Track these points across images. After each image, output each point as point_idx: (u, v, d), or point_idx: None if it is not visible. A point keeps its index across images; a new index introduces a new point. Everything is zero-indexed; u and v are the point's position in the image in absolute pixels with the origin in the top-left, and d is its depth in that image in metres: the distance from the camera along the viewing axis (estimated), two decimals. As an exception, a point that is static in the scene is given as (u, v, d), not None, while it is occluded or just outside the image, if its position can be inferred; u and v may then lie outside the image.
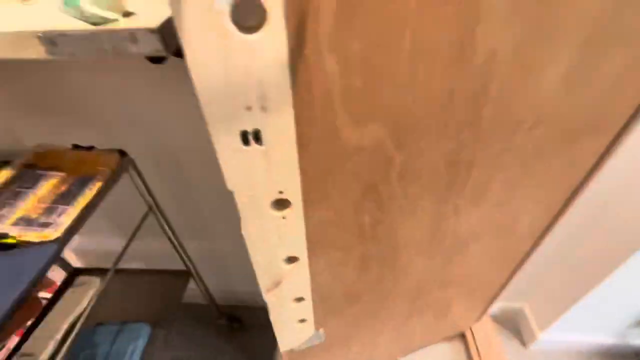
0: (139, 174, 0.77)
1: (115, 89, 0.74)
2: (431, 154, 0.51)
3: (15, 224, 0.54)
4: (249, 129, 0.38)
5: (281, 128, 0.39)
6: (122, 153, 0.72)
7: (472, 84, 0.43)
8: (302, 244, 0.56)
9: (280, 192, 0.46)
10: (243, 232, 0.51)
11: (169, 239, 0.96)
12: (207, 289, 1.21)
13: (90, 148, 0.72)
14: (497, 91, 0.45)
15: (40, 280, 0.47)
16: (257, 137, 0.40)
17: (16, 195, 0.59)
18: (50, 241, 0.53)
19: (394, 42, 0.36)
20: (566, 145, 0.58)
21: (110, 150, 0.71)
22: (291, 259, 0.59)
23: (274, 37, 0.31)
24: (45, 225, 0.55)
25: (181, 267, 1.11)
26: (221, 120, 0.36)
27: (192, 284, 1.15)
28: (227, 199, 1.01)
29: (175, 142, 0.85)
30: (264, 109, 0.36)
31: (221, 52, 0.31)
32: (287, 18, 0.31)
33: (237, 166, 0.41)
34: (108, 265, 1.24)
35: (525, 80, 0.45)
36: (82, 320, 0.82)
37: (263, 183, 0.44)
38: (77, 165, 0.68)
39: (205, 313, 1.34)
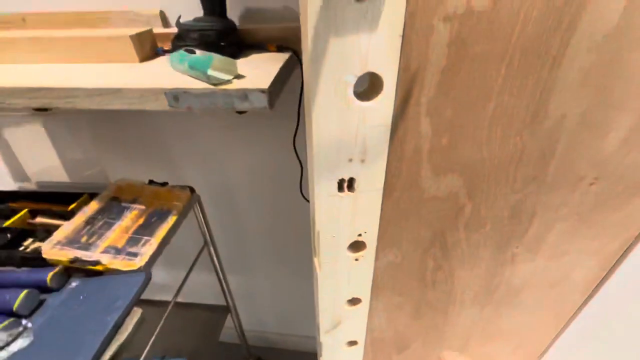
0: (202, 210, 0.82)
1: (188, 131, 0.83)
2: (498, 205, 0.54)
3: (105, 252, 0.59)
4: (346, 177, 0.43)
5: (373, 178, 0.43)
6: (192, 190, 0.78)
7: (541, 144, 0.47)
8: (368, 285, 0.58)
9: (359, 235, 0.50)
10: (317, 271, 0.54)
11: (217, 273, 0.99)
12: (241, 327, 1.20)
13: (164, 184, 0.78)
14: (562, 150, 0.49)
15: (132, 307, 0.50)
16: (351, 184, 0.44)
17: (105, 226, 0.64)
18: (135, 270, 0.57)
19: (480, 108, 0.41)
20: (624, 200, 0.60)
21: (182, 187, 0.77)
22: (354, 301, 0.60)
23: (384, 105, 0.37)
24: (131, 254, 0.59)
25: (220, 301, 1.12)
26: (325, 169, 0.41)
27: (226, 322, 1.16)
28: (272, 240, 1.05)
29: (233, 183, 0.91)
30: (362, 161, 0.41)
31: (340, 115, 0.37)
32: (397, 88, 0.36)
33: (328, 209, 0.45)
34: (146, 294, 1.26)
35: (589, 141, 0.49)
36: (124, 350, 0.84)
37: (346, 226, 0.48)
38: (153, 199, 0.74)
39: (235, 352, 1.32)
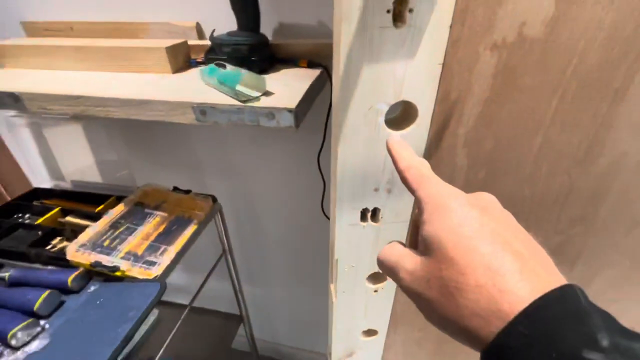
0: (223, 219, 0.82)
1: (215, 141, 0.83)
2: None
3: (124, 257, 0.60)
4: (370, 207, 0.40)
5: (399, 209, 0.40)
6: (214, 199, 0.78)
7: (593, 183, 0.42)
8: (386, 319, 0.54)
9: (380, 266, 0.47)
10: (333, 299, 0.51)
11: (232, 282, 0.98)
12: (252, 337, 1.19)
13: (188, 192, 0.79)
14: (618, 191, 0.44)
15: (145, 318, 0.49)
16: (375, 214, 0.42)
17: (127, 231, 0.65)
18: (152, 279, 0.57)
19: (525, 142, 0.37)
20: (687, 250, 0.53)
21: (205, 196, 0.78)
22: (370, 332, 0.57)
23: (417, 134, 0.34)
24: (149, 263, 0.59)
25: (235, 310, 1.11)
26: (347, 197, 0.39)
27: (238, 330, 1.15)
28: (291, 254, 1.03)
29: (256, 194, 0.90)
30: (389, 191, 0.39)
31: (368, 143, 0.34)
32: (433, 118, 0.34)
33: (349, 238, 0.43)
34: (166, 296, 1.28)
35: (650, 183, 0.44)
36: (139, 350, 0.84)
37: (367, 256, 0.45)
38: (176, 206, 0.74)
39: (245, 361, 1.30)
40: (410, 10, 0.27)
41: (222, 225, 0.82)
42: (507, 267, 0.18)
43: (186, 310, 0.85)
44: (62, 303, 0.55)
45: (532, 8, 0.28)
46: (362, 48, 0.28)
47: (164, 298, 1.32)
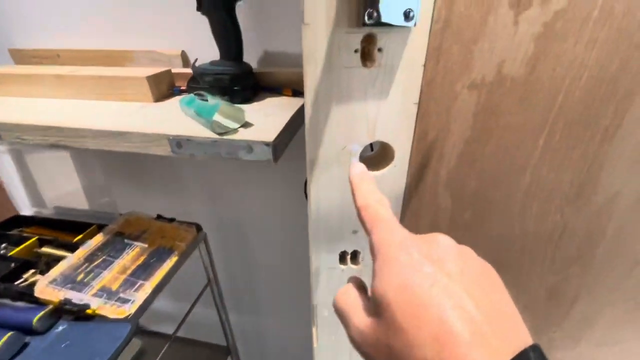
0: (208, 249, 0.79)
1: (201, 167, 0.81)
2: (531, 286, 0.46)
3: (96, 295, 0.56)
4: (349, 249, 0.38)
5: (381, 251, 0.38)
6: (199, 228, 0.76)
7: (587, 222, 0.40)
8: (373, 363, 0.51)
9: (364, 310, 0.43)
10: (315, 344, 0.47)
11: (218, 312, 0.94)
12: (241, 370, 1.13)
13: (172, 220, 0.76)
14: (615, 230, 0.41)
15: (110, 366, 0.46)
16: (355, 256, 0.39)
17: (103, 264, 0.62)
18: (124, 319, 0.53)
19: (513, 181, 0.35)
20: (693, 289, 0.50)
21: (189, 224, 0.75)
22: (357, 377, 0.53)
23: (396, 174, 0.32)
24: (122, 300, 0.56)
25: (222, 341, 1.06)
26: (325, 241, 0.36)
27: (227, 362, 1.09)
28: (280, 282, 0.99)
29: (243, 221, 0.88)
30: (368, 233, 0.36)
31: (344, 184, 0.32)
32: (411, 159, 0.31)
33: (327, 282, 0.40)
34: (148, 323, 1.23)
35: (648, 221, 0.41)
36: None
37: (349, 299, 0.42)
38: (158, 236, 0.71)
39: (233, 396, 1.23)
40: (380, 50, 0.25)
41: (207, 255, 0.79)
42: (456, 338, 0.16)
43: (169, 341, 0.80)
44: (25, 345, 0.51)
45: (510, 46, 0.26)
46: (330, 88, 0.27)
47: (149, 327, 1.27)
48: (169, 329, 0.98)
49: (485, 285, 0.19)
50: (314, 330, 0.49)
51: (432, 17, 0.25)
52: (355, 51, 0.25)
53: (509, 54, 0.27)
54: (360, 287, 0.24)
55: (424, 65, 0.27)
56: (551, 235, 0.40)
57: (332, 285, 0.40)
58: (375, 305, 0.19)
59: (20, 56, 0.74)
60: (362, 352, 0.20)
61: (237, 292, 1.07)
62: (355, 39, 0.25)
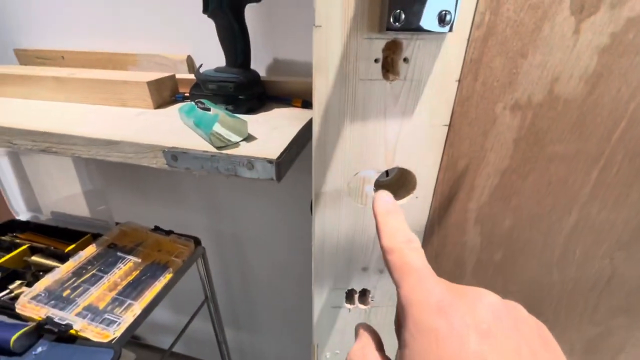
0: (206, 264, 0.75)
1: (203, 179, 0.77)
2: (569, 336, 0.40)
3: (81, 314, 0.52)
4: (358, 288, 0.32)
5: (394, 292, 0.32)
6: (197, 242, 0.71)
7: (640, 269, 0.34)
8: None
9: (371, 355, 0.38)
10: (314, 387, 0.42)
11: (215, 330, 0.89)
12: (237, 391, 1.07)
13: (169, 232, 0.72)
14: (672, 278, 0.35)
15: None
16: (363, 295, 0.34)
17: (92, 279, 0.58)
18: (107, 343, 0.49)
19: (555, 220, 0.29)
20: None
21: (187, 238, 0.71)
22: None
23: (417, 207, 0.27)
24: (108, 321, 0.52)
25: (216, 357, 1.01)
26: (330, 277, 0.31)
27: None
28: (279, 301, 0.93)
29: (244, 236, 0.83)
30: (381, 271, 0.31)
31: (353, 214, 0.27)
32: (436, 190, 0.26)
33: (331, 322, 0.35)
34: (142, 333, 1.18)
35: None
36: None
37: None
38: (153, 249, 0.67)
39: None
40: (406, 60, 0.21)
41: (204, 271, 0.75)
42: None
43: (165, 356, 0.76)
44: (0, 367, 0.47)
45: (567, 61, 0.21)
46: (343, 104, 0.22)
47: (146, 337, 1.22)
48: (165, 341, 0.93)
49: (544, 358, 0.15)
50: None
51: (473, 22, 0.20)
52: (376, 61, 0.21)
53: (564, 69, 0.22)
54: (378, 343, 0.20)
55: (459, 81, 0.22)
56: (596, 283, 0.34)
57: (336, 326, 0.35)
58: None
59: (25, 56, 0.72)
60: None
61: (235, 310, 1.02)
62: (377, 46, 0.20)
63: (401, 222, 0.21)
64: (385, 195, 0.22)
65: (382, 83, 0.21)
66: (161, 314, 1.13)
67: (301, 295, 0.88)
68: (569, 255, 0.32)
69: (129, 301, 0.55)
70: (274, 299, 0.93)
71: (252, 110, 0.53)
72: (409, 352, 0.16)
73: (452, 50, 0.21)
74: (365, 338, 0.20)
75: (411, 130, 0.23)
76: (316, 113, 0.23)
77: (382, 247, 0.20)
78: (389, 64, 0.21)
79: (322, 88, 0.22)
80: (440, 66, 0.21)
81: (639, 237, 0.31)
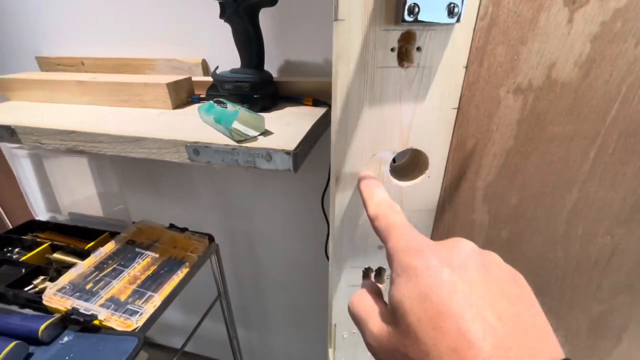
0: (219, 261, 0.77)
1: (217, 177, 0.80)
2: (574, 315, 0.41)
3: (104, 305, 0.54)
4: (374, 266, 0.35)
5: (408, 270, 0.35)
6: (211, 239, 0.74)
7: (640, 246, 0.36)
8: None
9: (386, 334, 0.40)
10: (331, 368, 0.44)
11: (227, 328, 0.90)
12: (248, 391, 1.08)
13: (184, 230, 0.74)
14: (671, 255, 0.37)
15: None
16: (379, 274, 0.36)
17: (113, 273, 0.61)
18: (131, 332, 0.51)
19: (557, 198, 0.31)
20: None
21: (202, 235, 0.73)
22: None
23: (429, 186, 0.29)
24: (130, 312, 0.54)
25: (229, 358, 1.02)
26: (347, 256, 0.33)
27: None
28: (291, 299, 0.95)
29: (257, 233, 0.85)
30: (396, 250, 0.33)
31: (371, 195, 0.29)
32: (447, 169, 0.29)
33: (348, 301, 0.37)
34: (153, 334, 1.20)
35: None
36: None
37: (370, 322, 0.39)
38: (169, 246, 0.70)
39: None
40: (418, 49, 0.23)
41: (218, 268, 0.77)
42: (476, 351, 0.15)
43: (177, 356, 0.77)
44: (29, 356, 0.49)
45: (563, 47, 0.24)
46: (362, 89, 0.25)
47: (156, 338, 1.24)
48: (176, 342, 0.95)
49: (512, 295, 0.18)
50: (330, 352, 0.45)
51: (478, 13, 0.23)
52: (392, 50, 0.23)
53: (560, 56, 0.24)
54: (376, 292, 0.23)
55: (466, 67, 0.24)
56: (598, 260, 0.36)
57: (353, 306, 0.37)
58: (392, 313, 0.19)
59: (46, 63, 0.75)
60: (378, 359, 0.20)
61: (247, 308, 1.04)
62: (393, 36, 0.23)
63: (383, 193, 0.25)
64: (368, 174, 0.27)
65: (398, 70, 0.24)
66: (173, 314, 1.15)
67: (312, 293, 0.90)
68: (572, 232, 0.34)
69: (149, 293, 0.57)
70: (286, 297, 0.95)
71: (265, 108, 0.56)
72: (394, 287, 0.19)
73: (460, 39, 0.23)
74: (364, 288, 0.23)
75: (424, 113, 0.26)
76: (337, 98, 0.25)
77: (369, 217, 0.24)
78: (404, 53, 0.24)
79: (343, 75, 0.24)
80: (449, 54, 0.24)
81: (636, 215, 0.33)
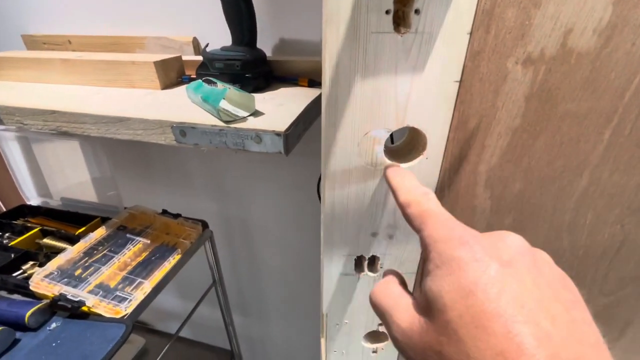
0: (213, 247, 0.75)
1: (210, 161, 0.78)
2: (577, 307, 0.40)
3: (93, 291, 0.53)
4: (367, 254, 0.33)
5: (404, 258, 0.32)
6: (205, 225, 0.72)
7: (652, 236, 0.33)
8: (387, 384, 0.45)
9: (380, 324, 0.38)
10: (323, 357, 0.42)
11: (223, 315, 0.90)
12: (245, 376, 1.09)
13: (177, 216, 0.73)
14: (684, 246, 0.35)
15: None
16: (372, 263, 0.34)
17: (103, 259, 0.59)
18: (119, 319, 0.50)
19: (566, 183, 0.29)
20: None
21: (195, 221, 0.72)
22: (368, 398, 0.48)
23: (427, 168, 0.27)
24: (119, 298, 0.52)
25: (225, 344, 1.02)
26: (338, 244, 0.31)
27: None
28: (287, 285, 0.94)
29: (252, 219, 0.84)
30: (390, 237, 0.31)
31: (364, 177, 0.27)
32: (446, 150, 0.26)
33: (341, 291, 0.35)
34: (151, 319, 1.20)
35: None
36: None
37: (364, 312, 0.37)
38: (161, 232, 0.68)
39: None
40: (417, 11, 0.21)
41: (212, 254, 0.75)
42: (527, 356, 0.13)
43: (171, 341, 0.77)
44: (16, 342, 0.48)
45: (582, 11, 0.21)
46: (353, 59, 0.22)
47: (153, 325, 1.24)
48: (174, 327, 0.94)
49: (566, 299, 0.16)
50: (322, 342, 0.44)
51: (485, -30, 0.20)
52: (387, 12, 0.21)
53: (578, 21, 0.22)
54: (402, 281, 0.21)
55: (470, 34, 0.22)
56: (606, 250, 0.34)
57: (345, 294, 0.35)
58: (427, 305, 0.17)
59: (32, 42, 0.72)
60: (406, 356, 0.18)
61: (243, 295, 1.03)
62: (388, -4, 0.20)
63: (414, 180, 0.23)
64: (396, 166, 0.26)
65: (394, 36, 0.21)
66: (169, 300, 1.15)
67: (309, 280, 0.89)
68: (580, 221, 0.32)
69: (139, 280, 0.56)
70: (282, 284, 0.94)
71: (258, 89, 0.53)
72: (432, 278, 0.17)
73: (464, 1, 0.21)
74: (389, 276, 0.21)
75: (422, 87, 0.23)
76: (326, 69, 0.23)
77: (399, 204, 0.21)
78: (400, 17, 0.21)
79: (332, 42, 0.21)
80: (452, 18, 0.21)
81: (650, 202, 0.31)
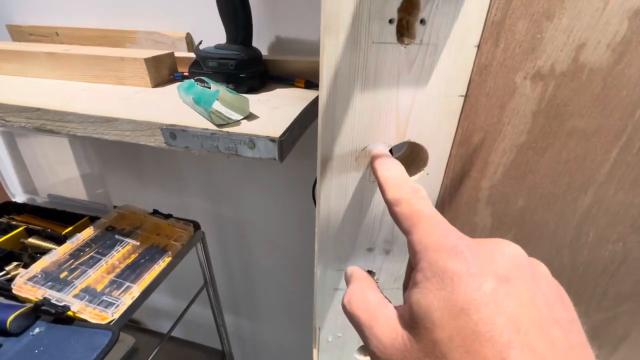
0: (205, 249, 0.74)
1: (204, 161, 0.76)
2: (574, 322, 0.39)
3: (78, 296, 0.52)
4: (363, 269, 0.32)
5: (400, 274, 0.31)
6: (196, 226, 0.71)
7: (653, 253, 0.33)
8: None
9: (374, 338, 0.37)
10: (315, 370, 0.42)
11: (214, 316, 0.89)
12: (236, 376, 1.08)
13: (168, 216, 0.71)
14: (684, 264, 0.34)
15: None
16: (368, 278, 0.33)
17: (90, 261, 0.57)
18: (105, 325, 0.48)
19: (570, 200, 0.28)
20: None
21: (187, 222, 0.70)
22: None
23: (427, 184, 0.26)
24: (106, 303, 0.51)
25: (217, 344, 1.01)
26: (334, 258, 0.30)
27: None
28: (280, 287, 0.93)
29: (245, 221, 0.82)
30: (387, 252, 0.30)
31: (360, 191, 0.26)
32: (448, 166, 0.25)
33: (334, 305, 0.34)
34: (141, 317, 1.19)
35: None
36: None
37: (357, 326, 0.36)
38: (152, 233, 0.67)
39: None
40: (422, 21, 0.19)
41: (203, 256, 0.74)
42: None
43: (163, 340, 0.75)
44: (-3, 347, 0.46)
45: (597, 25, 0.20)
46: (353, 69, 0.21)
47: (144, 324, 1.22)
48: (166, 327, 0.93)
49: (563, 320, 0.15)
50: (315, 352, 0.43)
51: (497, -21, 0.19)
52: (390, 22, 0.19)
53: (592, 35, 0.20)
54: (375, 286, 0.20)
55: (478, 46, 0.20)
56: (607, 267, 0.33)
57: (339, 309, 0.34)
58: (412, 320, 0.15)
59: (18, 32, 0.69)
60: None
61: (235, 295, 1.02)
62: (392, 4, 0.19)
63: (403, 174, 0.21)
64: (383, 151, 0.22)
65: (397, 47, 0.20)
66: (161, 299, 1.14)
67: (302, 281, 0.88)
68: (582, 238, 0.31)
69: (127, 284, 0.54)
70: (275, 284, 0.93)
71: (253, 89, 0.51)
72: (420, 291, 0.15)
73: (473, 12, 0.19)
74: (362, 279, 0.19)
75: (425, 101, 0.22)
76: (324, 79, 0.21)
77: (387, 201, 0.19)
78: (404, 27, 0.20)
79: (331, 50, 0.20)
80: (460, 29, 0.20)
81: (654, 220, 0.30)
